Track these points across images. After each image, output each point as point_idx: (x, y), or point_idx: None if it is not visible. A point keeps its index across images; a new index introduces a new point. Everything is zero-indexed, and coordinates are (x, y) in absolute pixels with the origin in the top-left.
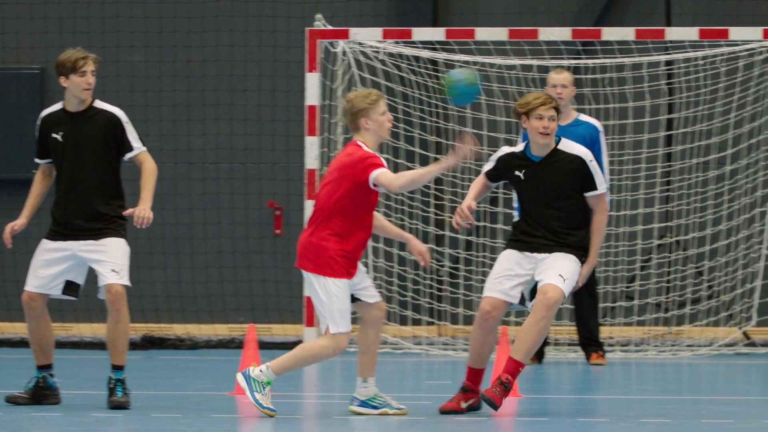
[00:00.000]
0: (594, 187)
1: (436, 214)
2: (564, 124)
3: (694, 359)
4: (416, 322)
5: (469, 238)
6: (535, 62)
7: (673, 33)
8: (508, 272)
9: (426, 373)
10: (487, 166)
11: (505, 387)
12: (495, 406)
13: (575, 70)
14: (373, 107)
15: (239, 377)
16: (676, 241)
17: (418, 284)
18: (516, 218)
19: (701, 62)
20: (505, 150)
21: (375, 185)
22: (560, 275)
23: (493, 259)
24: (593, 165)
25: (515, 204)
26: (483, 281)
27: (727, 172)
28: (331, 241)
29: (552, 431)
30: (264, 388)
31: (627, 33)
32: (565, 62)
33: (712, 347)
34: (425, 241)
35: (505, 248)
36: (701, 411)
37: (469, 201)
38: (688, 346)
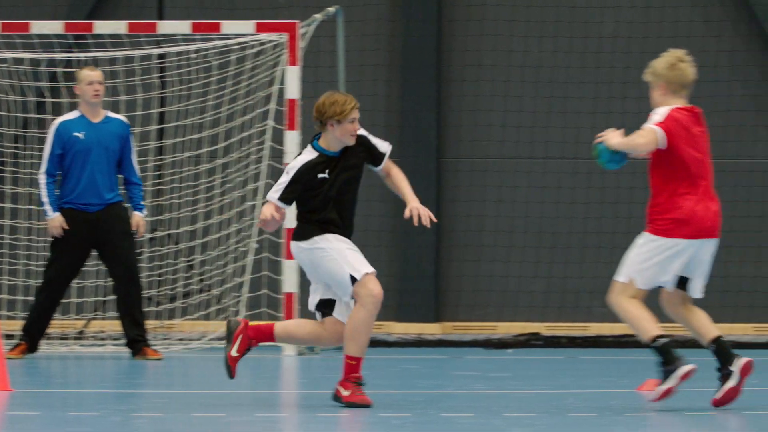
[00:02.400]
0: (381, 153)
1: None
2: (96, 121)
3: (185, 353)
4: None
5: None
6: (27, 56)
7: (165, 26)
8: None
9: None
10: (276, 194)
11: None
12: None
13: (68, 64)
14: None
15: None
16: (168, 234)
17: None
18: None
19: (193, 56)
20: (297, 164)
21: None
22: None
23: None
24: (368, 134)
25: None
26: None
27: (219, 165)
28: None
29: (42, 425)
30: None
31: (119, 26)
32: (58, 56)
33: (203, 341)
34: None
35: (323, 232)
36: (192, 404)
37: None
38: (180, 339)
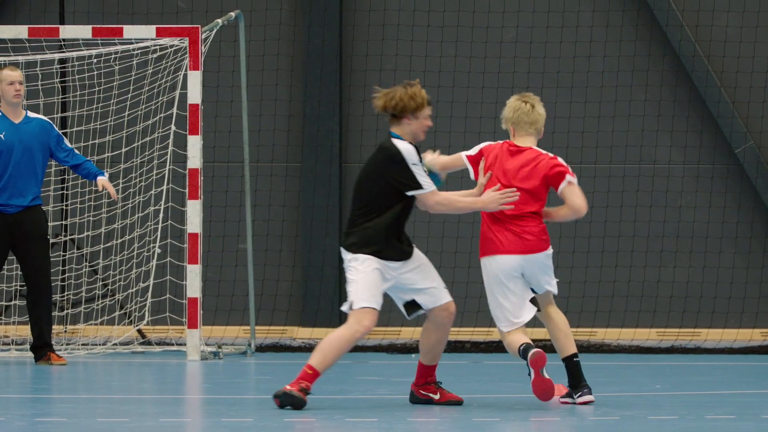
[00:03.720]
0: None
1: None
2: (17, 122)
3: (89, 358)
4: None
5: None
6: None
7: (67, 31)
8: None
9: None
10: (429, 181)
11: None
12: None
13: None
14: None
15: None
16: (71, 239)
17: None
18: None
19: (95, 60)
20: (413, 151)
21: None
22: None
23: None
24: None
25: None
26: None
27: (122, 170)
28: None
29: None
30: None
31: (20, 31)
32: None
33: (108, 346)
34: None
35: (369, 252)
36: (98, 410)
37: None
38: (84, 344)
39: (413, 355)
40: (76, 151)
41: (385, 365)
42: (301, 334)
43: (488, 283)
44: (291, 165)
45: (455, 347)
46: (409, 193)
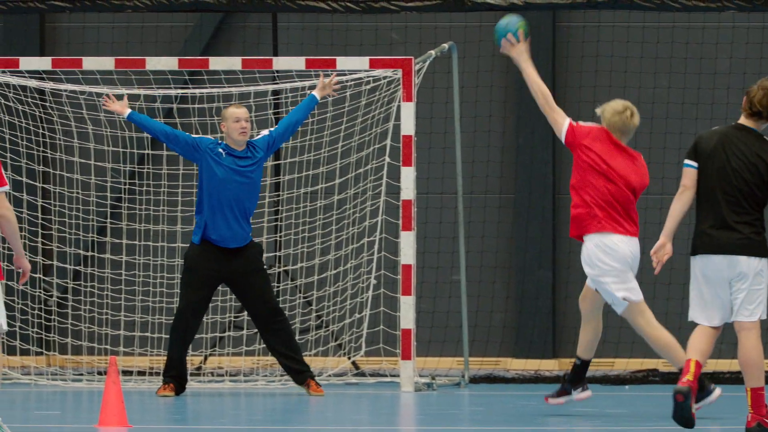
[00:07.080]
0: None
1: (43, 244)
2: (240, 155)
3: (302, 389)
4: (24, 352)
5: (77, 268)
6: (142, 92)
7: (280, 62)
8: None
9: (34, 403)
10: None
11: None
12: None
13: (182, 99)
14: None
15: None
16: (285, 270)
17: (26, 314)
18: None
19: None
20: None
21: None
22: None
23: (102, 289)
24: None
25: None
26: (92, 311)
27: (335, 201)
28: None
29: None
30: None
31: (234, 63)
32: (173, 92)
33: (322, 377)
34: (34, 271)
35: None
36: None
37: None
38: None
39: (627, 387)
40: (279, 126)
41: (599, 397)
42: (514, 365)
43: None
44: (504, 197)
45: (669, 379)
46: None
